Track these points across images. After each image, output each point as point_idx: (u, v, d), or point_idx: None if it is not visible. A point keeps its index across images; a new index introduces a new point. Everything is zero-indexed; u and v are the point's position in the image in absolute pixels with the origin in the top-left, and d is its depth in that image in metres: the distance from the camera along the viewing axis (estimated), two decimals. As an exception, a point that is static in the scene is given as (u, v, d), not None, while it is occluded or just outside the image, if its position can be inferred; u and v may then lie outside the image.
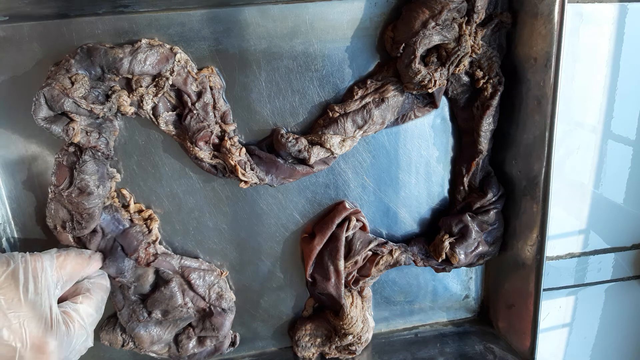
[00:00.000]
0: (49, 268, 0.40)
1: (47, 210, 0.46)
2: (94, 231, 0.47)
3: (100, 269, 0.47)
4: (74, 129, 0.44)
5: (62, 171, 0.45)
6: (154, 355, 0.54)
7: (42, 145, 0.48)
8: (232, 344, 0.57)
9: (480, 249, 0.55)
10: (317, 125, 0.51)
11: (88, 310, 0.42)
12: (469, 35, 0.47)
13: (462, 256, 0.54)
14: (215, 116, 0.48)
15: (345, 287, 0.55)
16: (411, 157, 0.55)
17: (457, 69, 0.49)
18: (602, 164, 0.61)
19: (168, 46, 0.46)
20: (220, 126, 0.49)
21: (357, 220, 0.54)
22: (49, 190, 0.46)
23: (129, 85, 0.46)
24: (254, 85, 0.50)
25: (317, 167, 0.51)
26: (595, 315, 0.69)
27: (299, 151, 0.49)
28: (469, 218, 0.54)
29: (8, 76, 0.46)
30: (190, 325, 0.54)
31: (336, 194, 0.55)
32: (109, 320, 0.53)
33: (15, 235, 0.51)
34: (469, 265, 0.56)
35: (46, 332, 0.37)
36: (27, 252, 0.41)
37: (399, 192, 0.57)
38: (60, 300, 0.43)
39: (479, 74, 0.51)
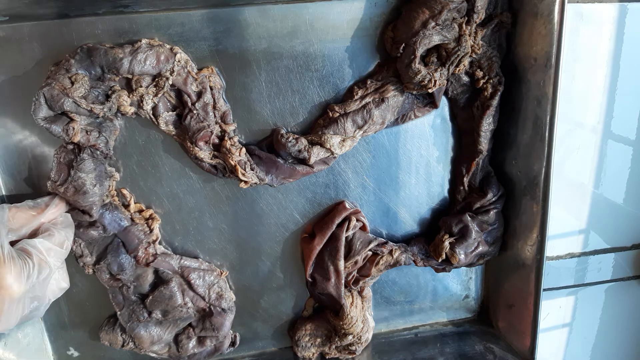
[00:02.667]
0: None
1: None
2: (94, 226, 0.47)
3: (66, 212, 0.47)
4: (73, 128, 0.44)
5: (60, 168, 0.45)
6: (154, 355, 0.54)
7: (42, 145, 0.48)
8: (232, 344, 0.57)
9: (480, 249, 0.55)
10: (317, 125, 0.51)
11: (46, 244, 0.41)
12: (469, 35, 0.47)
13: (462, 256, 0.54)
14: (215, 116, 0.48)
15: (345, 287, 0.55)
16: (411, 157, 0.55)
17: (457, 69, 0.49)
18: (602, 164, 0.61)
19: (168, 46, 0.46)
20: (220, 126, 0.49)
21: (357, 220, 0.54)
22: (47, 185, 0.46)
23: (129, 85, 0.46)
24: (254, 85, 0.50)
25: (317, 167, 0.51)
26: (595, 315, 0.69)
27: (299, 151, 0.49)
28: (469, 218, 0.54)
29: (8, 76, 0.46)
30: (190, 325, 0.54)
31: (336, 194, 0.55)
32: (109, 320, 0.53)
33: (15, 235, 0.51)
34: (469, 265, 0.56)
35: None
36: None
37: (399, 192, 0.57)
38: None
39: (479, 74, 0.51)
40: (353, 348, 0.56)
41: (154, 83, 0.46)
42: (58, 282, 0.45)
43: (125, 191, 0.51)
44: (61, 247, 0.43)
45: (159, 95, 0.46)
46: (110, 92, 0.46)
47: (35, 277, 0.40)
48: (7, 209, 0.42)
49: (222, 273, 0.55)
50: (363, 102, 0.50)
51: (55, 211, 0.45)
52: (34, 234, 0.44)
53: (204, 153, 0.48)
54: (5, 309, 0.38)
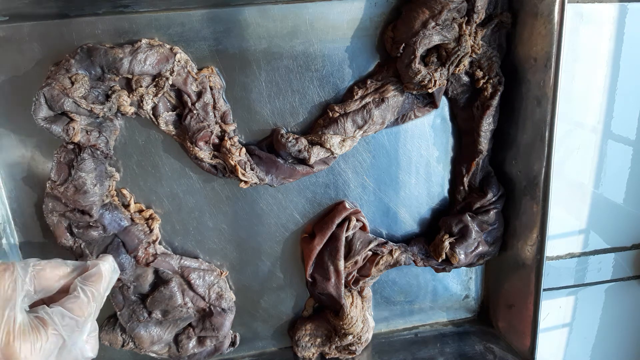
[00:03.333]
0: (19, 277, 0.36)
1: (44, 205, 0.46)
2: (94, 226, 0.47)
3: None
4: (74, 128, 0.44)
5: (60, 168, 0.45)
6: (154, 355, 0.54)
7: (42, 145, 0.48)
8: (232, 344, 0.57)
9: (480, 249, 0.55)
10: (317, 125, 0.51)
11: (66, 315, 0.37)
12: (469, 35, 0.47)
13: (462, 256, 0.54)
14: (215, 116, 0.48)
15: (345, 287, 0.55)
16: (411, 157, 0.55)
17: (457, 69, 0.49)
18: (602, 164, 0.61)
19: (168, 46, 0.46)
20: (220, 126, 0.49)
21: (357, 220, 0.54)
22: (47, 185, 0.46)
23: (129, 85, 0.46)
24: (254, 85, 0.50)
25: (317, 167, 0.51)
26: (595, 315, 0.69)
27: (299, 151, 0.49)
28: (469, 218, 0.54)
29: (8, 76, 0.46)
30: (190, 325, 0.54)
31: (336, 194, 0.55)
32: (109, 320, 0.53)
33: (15, 235, 0.51)
34: (469, 265, 0.56)
35: (11, 341, 0.34)
36: None
37: (399, 192, 0.57)
38: (50, 300, 0.39)
39: (479, 74, 0.51)
40: (353, 348, 0.56)
41: (154, 83, 0.46)
42: (83, 351, 0.39)
43: (125, 191, 0.51)
44: (84, 315, 0.38)
45: (159, 95, 0.46)
46: (110, 92, 0.46)
47: (51, 351, 0.36)
48: (31, 266, 0.38)
49: (222, 273, 0.55)
50: (363, 102, 0.50)
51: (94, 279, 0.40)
52: (64, 289, 0.39)
53: (204, 153, 0.48)
54: None
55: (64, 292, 0.39)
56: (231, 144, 0.48)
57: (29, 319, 0.36)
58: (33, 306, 0.37)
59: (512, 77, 0.51)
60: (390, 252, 0.55)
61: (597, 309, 0.69)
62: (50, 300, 0.39)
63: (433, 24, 0.45)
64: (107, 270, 0.41)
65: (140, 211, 0.51)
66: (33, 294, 0.37)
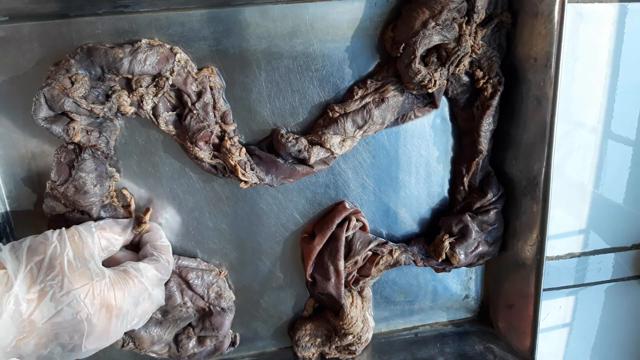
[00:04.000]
0: (88, 238, 0.42)
1: (43, 205, 0.46)
2: None
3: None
4: (74, 128, 0.44)
5: (60, 168, 0.45)
6: (154, 355, 0.54)
7: (42, 145, 0.48)
8: (232, 344, 0.57)
9: (480, 249, 0.55)
10: (317, 125, 0.51)
11: (149, 269, 0.44)
12: (469, 35, 0.47)
13: (462, 256, 0.54)
14: (215, 116, 0.48)
15: (345, 287, 0.55)
16: (411, 157, 0.56)
17: (457, 69, 0.49)
18: (602, 164, 0.61)
19: (168, 46, 0.46)
20: (220, 126, 0.49)
21: (357, 220, 0.54)
22: (47, 185, 0.46)
23: (129, 85, 0.46)
24: (254, 85, 0.50)
25: (317, 167, 0.51)
26: (595, 315, 0.69)
27: (299, 151, 0.49)
28: (469, 218, 0.54)
29: (8, 76, 0.46)
30: (190, 325, 0.54)
31: (336, 194, 0.55)
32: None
33: (15, 235, 0.51)
34: (469, 265, 0.56)
35: (105, 290, 0.40)
36: (63, 228, 0.42)
37: (399, 192, 0.57)
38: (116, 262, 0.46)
39: (479, 74, 0.51)
40: (353, 348, 0.56)
41: (154, 83, 0.46)
42: (158, 298, 0.46)
43: (125, 192, 0.51)
44: (161, 274, 0.46)
45: (159, 95, 0.46)
46: (110, 92, 0.46)
47: (137, 297, 0.43)
48: (92, 227, 0.44)
49: (220, 272, 0.55)
50: (363, 102, 0.50)
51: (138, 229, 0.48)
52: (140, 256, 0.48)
53: (204, 153, 0.48)
54: (112, 328, 0.40)
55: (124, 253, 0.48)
56: (231, 144, 0.48)
57: (116, 272, 0.42)
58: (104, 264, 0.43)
59: (512, 77, 0.51)
60: (390, 252, 0.55)
61: (597, 309, 0.69)
62: (115, 261, 0.46)
63: (433, 24, 0.45)
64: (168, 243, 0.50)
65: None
66: (101, 251, 0.43)
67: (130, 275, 0.42)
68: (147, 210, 0.50)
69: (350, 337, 0.55)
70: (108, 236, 0.45)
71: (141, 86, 0.46)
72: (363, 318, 0.56)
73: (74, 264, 0.39)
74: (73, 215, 0.46)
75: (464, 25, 0.47)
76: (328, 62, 0.50)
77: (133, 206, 0.51)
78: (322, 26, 0.49)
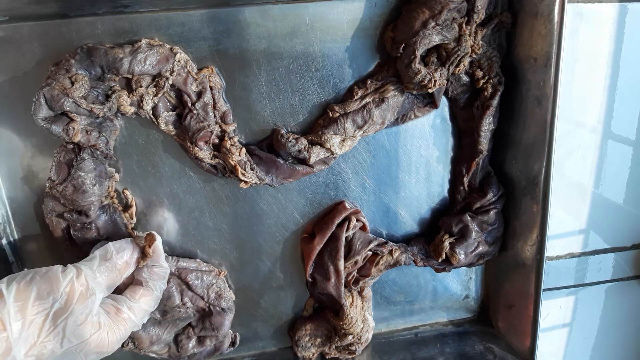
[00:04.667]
0: (96, 289, 0.42)
1: (43, 205, 0.46)
2: (88, 228, 0.47)
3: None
4: (74, 128, 0.44)
5: (60, 167, 0.45)
6: (153, 355, 0.54)
7: (42, 145, 0.48)
8: (232, 344, 0.57)
9: (480, 249, 0.55)
10: (317, 125, 0.51)
11: (141, 307, 0.45)
12: (469, 35, 0.47)
13: (462, 256, 0.54)
14: (215, 116, 0.48)
15: (345, 287, 0.55)
16: (411, 157, 0.55)
17: (457, 69, 0.49)
18: (602, 164, 0.61)
19: (168, 46, 0.46)
20: (220, 126, 0.49)
21: (357, 220, 0.54)
22: (46, 185, 0.46)
23: (129, 85, 0.46)
24: (254, 85, 0.50)
25: (317, 167, 0.51)
26: (595, 315, 0.69)
27: (299, 151, 0.49)
28: (469, 218, 0.54)
29: (8, 76, 0.46)
30: (190, 325, 0.54)
31: (336, 194, 0.55)
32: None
33: (15, 235, 0.51)
34: (469, 265, 0.56)
35: (98, 335, 0.40)
36: (74, 275, 0.40)
37: (399, 192, 0.57)
38: (119, 290, 0.46)
39: (479, 74, 0.51)
40: (353, 348, 0.56)
41: (154, 83, 0.46)
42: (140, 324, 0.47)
43: (126, 192, 0.51)
44: (151, 307, 0.47)
45: (159, 95, 0.46)
46: (110, 92, 0.46)
47: (127, 334, 0.44)
48: (95, 269, 0.42)
49: (220, 273, 0.55)
50: (363, 102, 0.50)
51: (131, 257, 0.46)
52: (132, 280, 0.47)
53: (204, 153, 0.48)
54: None
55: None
56: (231, 144, 0.48)
57: (111, 316, 0.43)
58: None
59: (512, 77, 0.51)
60: (390, 252, 0.55)
61: (597, 309, 0.69)
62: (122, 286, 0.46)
63: (433, 24, 0.45)
64: (167, 266, 0.49)
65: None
66: (105, 291, 0.43)
67: (123, 316, 0.43)
68: (152, 239, 0.47)
69: (350, 337, 0.55)
70: (113, 277, 0.44)
71: (141, 86, 0.46)
72: (363, 318, 0.56)
73: (77, 319, 0.39)
74: (71, 216, 0.46)
75: (464, 25, 0.47)
76: (328, 62, 0.50)
77: (134, 208, 0.51)
78: (322, 26, 0.49)
